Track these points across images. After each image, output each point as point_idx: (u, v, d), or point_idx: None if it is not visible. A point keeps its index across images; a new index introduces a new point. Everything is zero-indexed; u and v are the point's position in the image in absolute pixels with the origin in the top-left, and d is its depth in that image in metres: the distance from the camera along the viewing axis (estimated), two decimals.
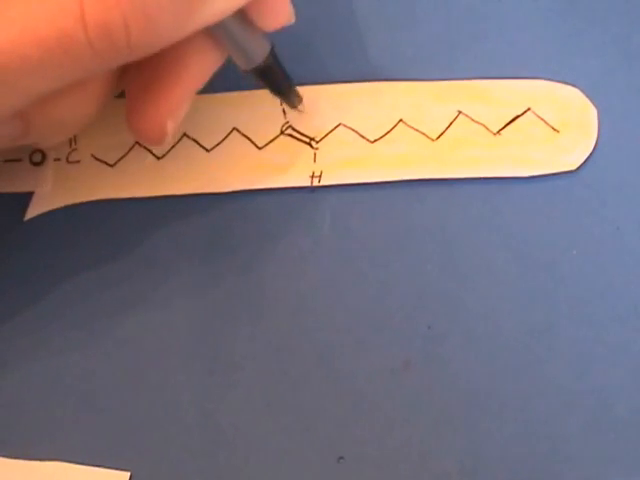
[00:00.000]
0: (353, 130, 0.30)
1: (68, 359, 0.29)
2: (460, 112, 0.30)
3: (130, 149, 0.31)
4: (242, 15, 0.25)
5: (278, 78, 0.28)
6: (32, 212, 0.30)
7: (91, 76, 0.24)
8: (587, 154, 0.29)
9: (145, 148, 0.30)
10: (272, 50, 0.27)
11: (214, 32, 0.25)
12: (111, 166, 0.31)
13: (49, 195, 0.30)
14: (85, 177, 0.31)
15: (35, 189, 0.30)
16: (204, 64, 0.26)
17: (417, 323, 0.28)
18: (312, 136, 0.30)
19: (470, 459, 0.27)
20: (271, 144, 0.30)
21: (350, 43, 0.31)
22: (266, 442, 0.28)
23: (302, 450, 0.27)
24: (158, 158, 0.30)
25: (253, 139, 0.30)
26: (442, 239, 0.29)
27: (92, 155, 0.31)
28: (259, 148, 0.30)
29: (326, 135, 0.30)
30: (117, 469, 0.28)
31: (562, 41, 0.30)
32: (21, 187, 0.31)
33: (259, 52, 0.27)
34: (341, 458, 0.27)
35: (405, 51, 0.30)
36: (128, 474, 0.27)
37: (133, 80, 0.26)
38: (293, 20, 0.26)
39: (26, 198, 0.30)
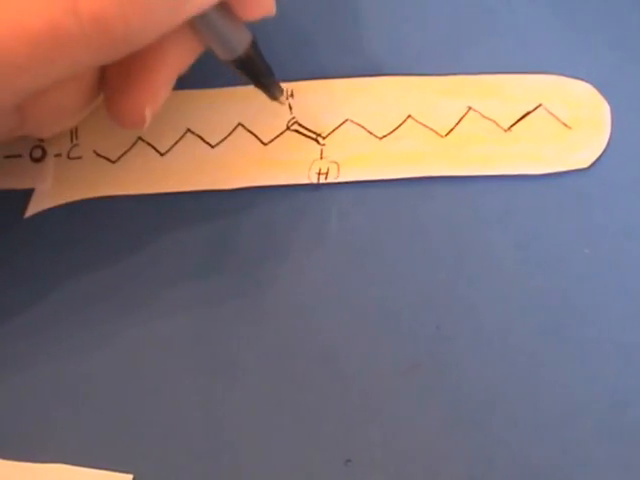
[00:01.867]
0: (361, 126, 0.29)
1: (69, 360, 0.28)
2: (470, 108, 0.29)
3: (132, 145, 0.30)
4: (223, 5, 0.25)
5: (259, 70, 0.27)
6: (32, 209, 0.30)
7: (84, 71, 0.24)
8: (599, 152, 0.28)
9: (148, 144, 0.30)
10: (253, 41, 0.26)
11: (195, 22, 0.24)
12: (113, 162, 0.30)
13: (50, 192, 0.30)
14: (86, 173, 0.30)
15: (35, 186, 0.30)
16: (183, 53, 0.26)
17: (426, 323, 0.28)
18: (319, 132, 0.29)
19: (479, 462, 0.27)
20: (277, 140, 0.30)
21: (358, 37, 0.30)
22: (271, 444, 0.27)
23: (309, 452, 0.27)
24: (161, 154, 0.30)
25: (258, 135, 0.30)
26: (451, 237, 0.28)
27: (94, 151, 0.30)
28: (264, 144, 0.30)
29: (333, 131, 0.29)
30: (120, 471, 0.27)
31: (574, 36, 0.30)
32: (21, 183, 0.30)
33: (240, 43, 0.26)
34: (349, 461, 0.27)
35: (414, 45, 0.30)
36: (131, 476, 0.27)
37: (111, 67, 0.26)
38: (274, 13, 0.26)
39: (26, 195, 0.30)
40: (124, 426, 0.28)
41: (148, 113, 0.26)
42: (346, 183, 0.29)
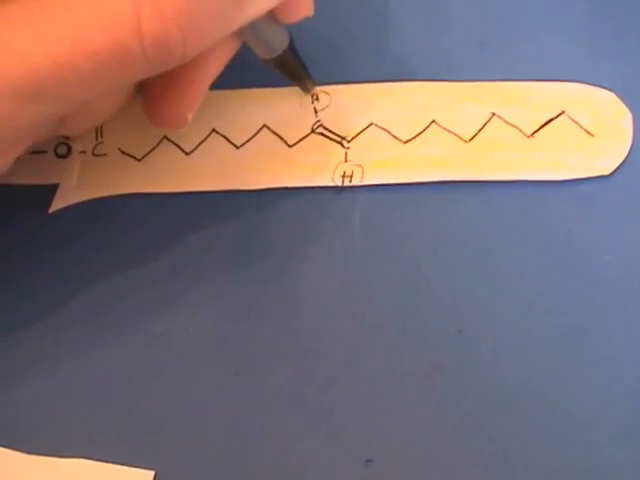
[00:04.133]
0: (385, 130, 0.30)
1: (94, 357, 0.28)
2: (494, 114, 0.29)
3: (158, 143, 0.30)
4: None
5: (295, 66, 0.29)
6: (56, 205, 0.30)
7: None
8: (621, 159, 0.29)
9: (174, 143, 0.30)
10: (291, 41, 0.27)
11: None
12: (138, 160, 0.30)
13: (74, 188, 0.30)
14: (111, 171, 0.30)
15: (60, 181, 0.30)
16: (223, 54, 0.26)
17: (448, 326, 0.28)
18: (343, 135, 0.30)
19: (499, 464, 0.27)
20: (301, 142, 0.30)
21: (383, 43, 0.30)
22: (293, 444, 0.27)
23: (330, 452, 0.27)
24: (187, 153, 0.30)
25: (283, 137, 0.30)
26: (474, 242, 0.29)
27: (119, 149, 0.30)
28: (289, 146, 0.30)
29: (357, 134, 0.30)
30: (142, 468, 0.27)
31: (597, 44, 0.30)
32: (46, 179, 0.30)
33: (280, 43, 0.27)
34: (369, 461, 0.27)
35: (439, 51, 0.30)
36: (152, 473, 0.27)
37: None
38: (312, 13, 0.27)
39: (51, 190, 0.30)
40: (147, 423, 0.28)
41: (189, 116, 0.27)
42: (370, 186, 0.29)
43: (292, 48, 0.28)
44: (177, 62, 0.23)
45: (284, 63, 0.28)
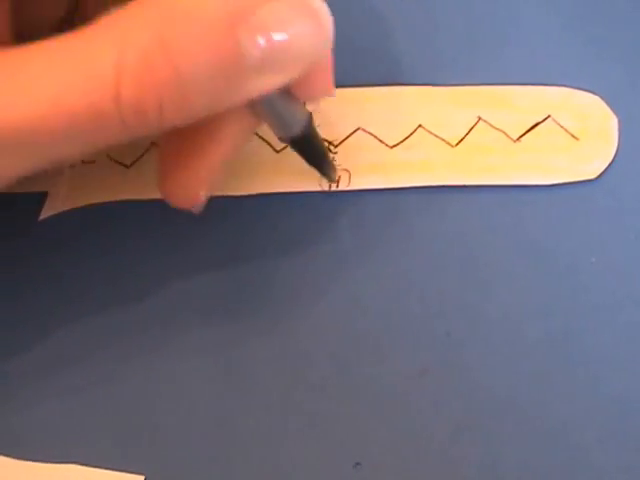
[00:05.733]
0: (372, 135, 0.30)
1: (83, 363, 0.28)
2: (480, 118, 0.30)
3: (147, 150, 0.30)
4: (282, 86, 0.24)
5: (314, 148, 0.28)
6: (46, 212, 0.30)
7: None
8: (607, 163, 0.29)
9: None
10: (310, 120, 0.26)
11: (252, 101, 0.24)
12: (127, 167, 0.30)
13: (64, 196, 0.30)
14: (100, 178, 0.30)
15: (49, 189, 0.30)
16: (239, 132, 0.26)
17: (436, 330, 0.28)
18: (330, 140, 0.30)
19: (488, 467, 0.27)
20: (289, 147, 0.30)
21: (369, 48, 0.31)
22: (282, 447, 0.27)
23: (318, 455, 0.27)
24: None
25: (271, 142, 0.30)
26: (461, 245, 0.29)
27: (107, 155, 0.30)
28: (277, 151, 0.30)
29: (345, 139, 0.30)
30: (131, 472, 0.27)
31: (583, 48, 0.30)
32: (35, 187, 0.30)
33: (297, 122, 0.26)
34: (357, 464, 0.27)
35: (425, 56, 0.30)
36: (142, 478, 0.27)
37: (166, 142, 0.26)
38: (334, 94, 0.26)
39: (40, 198, 0.30)
40: (137, 428, 0.28)
41: (203, 195, 0.26)
42: (357, 191, 0.29)
43: (311, 129, 0.26)
44: (157, 129, 0.22)
45: (302, 144, 0.27)
